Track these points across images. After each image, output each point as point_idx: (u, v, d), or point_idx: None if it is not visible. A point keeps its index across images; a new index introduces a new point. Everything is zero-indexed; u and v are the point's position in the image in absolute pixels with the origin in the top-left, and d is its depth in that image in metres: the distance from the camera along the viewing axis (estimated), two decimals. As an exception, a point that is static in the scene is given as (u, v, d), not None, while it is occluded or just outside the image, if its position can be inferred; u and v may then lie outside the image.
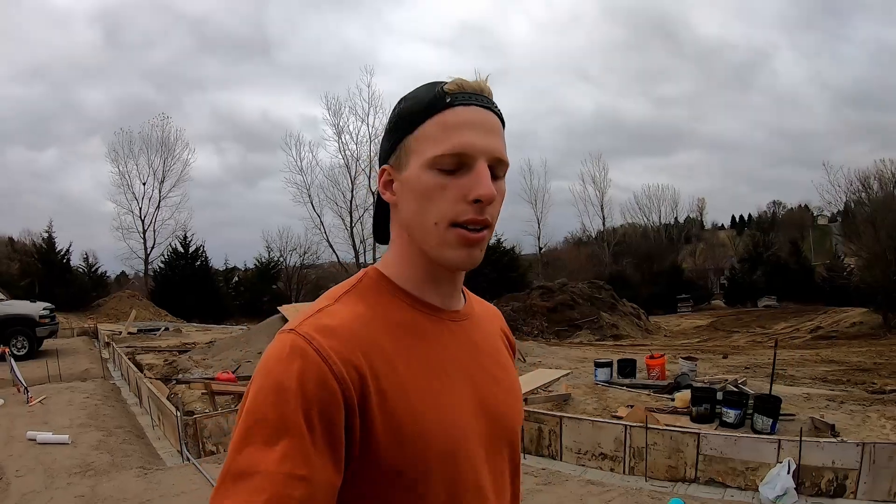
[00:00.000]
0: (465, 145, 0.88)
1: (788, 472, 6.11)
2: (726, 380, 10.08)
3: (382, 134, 1.00)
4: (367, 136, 43.86)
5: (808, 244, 44.98)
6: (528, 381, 9.81)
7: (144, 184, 41.74)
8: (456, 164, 0.88)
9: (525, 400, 8.43)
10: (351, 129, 47.15)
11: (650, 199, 61.02)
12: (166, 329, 24.21)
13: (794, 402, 8.74)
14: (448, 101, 0.89)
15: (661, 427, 6.84)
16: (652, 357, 11.23)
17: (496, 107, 0.94)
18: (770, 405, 7.49)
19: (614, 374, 10.77)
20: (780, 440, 6.25)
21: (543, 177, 61.33)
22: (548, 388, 10.04)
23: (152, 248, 41.83)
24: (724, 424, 7.61)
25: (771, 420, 7.33)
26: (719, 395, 8.03)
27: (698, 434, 6.44)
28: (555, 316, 27.25)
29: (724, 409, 7.72)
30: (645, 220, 61.30)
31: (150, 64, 70.14)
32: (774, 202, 69.23)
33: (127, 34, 71.15)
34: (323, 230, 43.98)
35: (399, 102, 0.96)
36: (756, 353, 18.24)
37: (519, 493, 1.09)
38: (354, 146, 43.79)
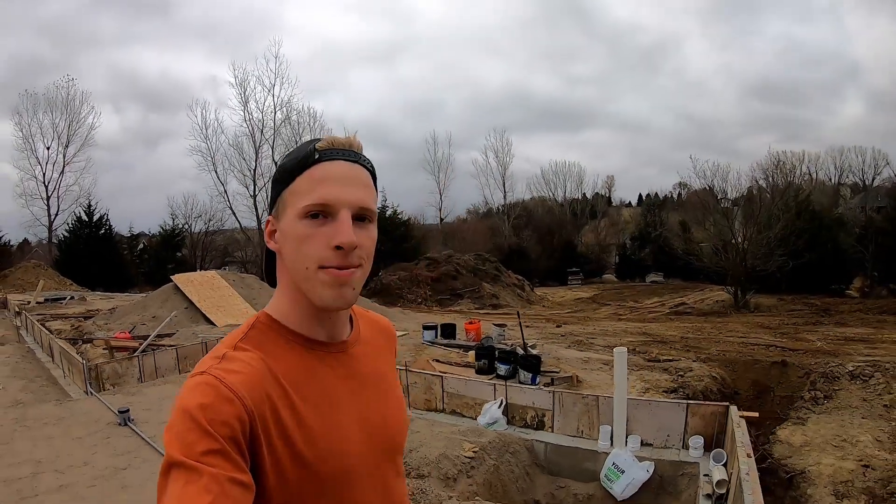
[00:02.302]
0: (327, 197, 0.95)
1: (499, 408, 7.85)
2: (530, 344, 11.95)
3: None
4: (273, 106, 43.79)
5: (709, 226, 47.32)
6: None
7: (48, 148, 40.45)
8: (321, 213, 0.95)
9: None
10: (257, 98, 46.31)
11: (556, 174, 61.86)
12: (72, 298, 24.91)
13: (573, 364, 10.61)
14: (317, 157, 0.97)
15: (416, 370, 9.12)
16: (471, 323, 13.77)
17: (364, 160, 1.02)
18: (530, 363, 9.22)
19: (438, 336, 13.11)
20: (494, 384, 8.34)
21: (448, 148, 60.40)
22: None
23: (56, 214, 40.63)
24: (499, 376, 9.37)
25: (531, 374, 8.98)
26: (497, 354, 10.06)
27: (441, 377, 8.78)
28: (438, 285, 28.75)
29: (498, 364, 9.63)
30: (550, 194, 62.00)
31: (42, 18, 66.33)
32: (680, 183, 69.22)
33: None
34: (226, 197, 43.44)
35: (283, 158, 1.03)
36: (602, 323, 19.67)
37: (405, 492, 1.19)
38: (260, 115, 43.40)
